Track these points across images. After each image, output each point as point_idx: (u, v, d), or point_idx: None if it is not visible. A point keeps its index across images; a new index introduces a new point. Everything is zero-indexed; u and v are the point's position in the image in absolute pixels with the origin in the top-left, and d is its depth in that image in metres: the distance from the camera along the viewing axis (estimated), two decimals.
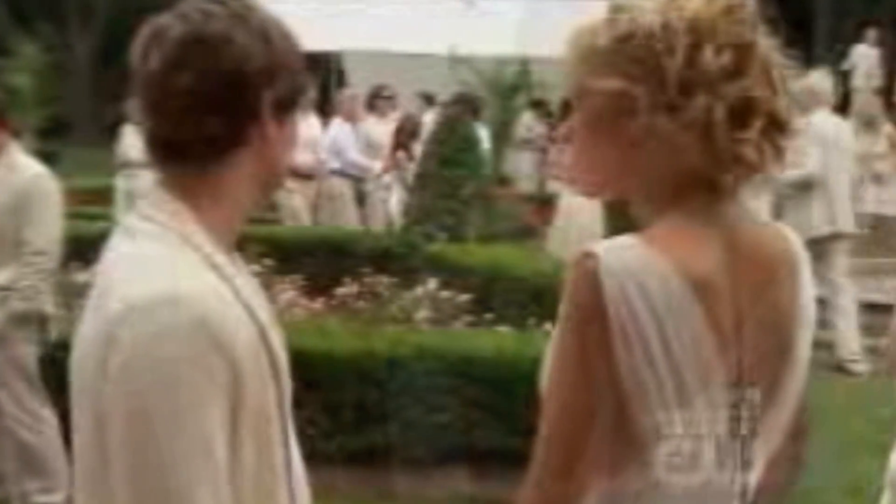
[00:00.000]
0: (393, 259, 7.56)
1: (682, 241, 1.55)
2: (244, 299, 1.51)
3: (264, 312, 1.55)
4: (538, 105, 15.55)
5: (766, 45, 1.58)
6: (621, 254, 1.51)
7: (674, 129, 1.54)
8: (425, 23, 16.25)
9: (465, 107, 9.60)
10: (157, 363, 1.40)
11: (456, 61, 15.17)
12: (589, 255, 1.51)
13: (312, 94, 10.32)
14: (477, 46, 14.80)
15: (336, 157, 10.52)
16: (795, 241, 1.67)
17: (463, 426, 5.06)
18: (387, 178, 10.49)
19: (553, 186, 11.29)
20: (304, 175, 9.79)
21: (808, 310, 1.64)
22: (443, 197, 8.29)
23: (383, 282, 7.01)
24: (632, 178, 1.61)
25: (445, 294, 6.69)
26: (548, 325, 6.17)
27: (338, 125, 10.95)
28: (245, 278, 1.59)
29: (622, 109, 1.56)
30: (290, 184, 9.61)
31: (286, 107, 1.55)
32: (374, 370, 5.09)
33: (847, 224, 7.79)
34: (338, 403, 5.04)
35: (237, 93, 1.50)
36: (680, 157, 1.55)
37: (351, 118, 11.03)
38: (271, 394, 1.51)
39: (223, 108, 1.49)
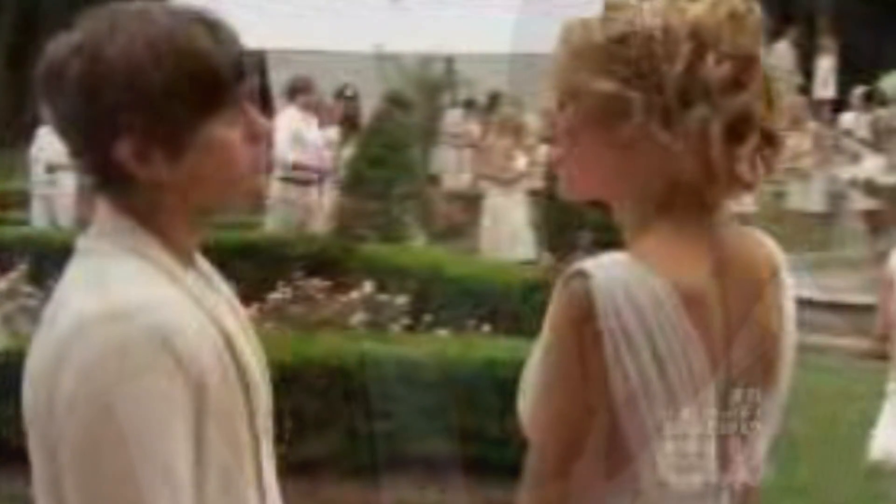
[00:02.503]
0: (326, 262, 7.45)
1: (672, 256, 1.53)
2: (207, 309, 1.44)
3: (232, 322, 1.48)
4: (469, 104, 15.56)
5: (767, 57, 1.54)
6: (613, 271, 1.48)
7: (668, 136, 1.50)
8: (349, 20, 16.16)
9: (395, 106, 9.52)
10: (110, 381, 1.33)
11: (381, 59, 15.12)
12: (580, 273, 1.48)
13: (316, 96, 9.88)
14: (402, 44, 14.77)
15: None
16: (774, 247, 1.67)
17: (407, 433, 4.98)
18: None
19: (480, 185, 11.27)
20: (304, 181, 9.33)
21: (792, 312, 1.64)
22: (374, 198, 8.21)
23: (317, 286, 6.89)
24: (620, 183, 1.57)
25: (382, 297, 6.60)
26: (486, 327, 6.15)
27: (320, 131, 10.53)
28: (211, 288, 1.52)
29: (615, 112, 1.51)
30: (292, 192, 9.20)
31: (164, 132, 1.39)
32: (314, 378, 4.98)
33: None
34: (276, 413, 4.91)
35: (78, 119, 1.41)
36: (671, 165, 1.52)
37: (335, 122, 10.80)
38: (240, 406, 1.45)
39: (76, 136, 1.42)
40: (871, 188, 8.86)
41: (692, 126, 1.48)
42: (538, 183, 9.51)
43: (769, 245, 1.66)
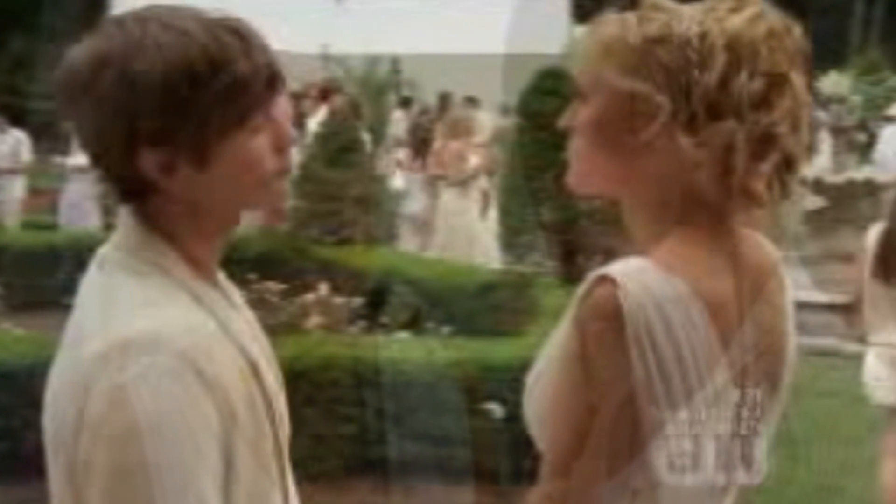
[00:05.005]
0: (281, 264, 7.39)
1: (694, 263, 1.52)
2: (232, 333, 1.40)
3: (256, 345, 1.44)
4: (405, 102, 15.51)
5: (799, 78, 1.52)
6: (639, 278, 1.47)
7: (690, 144, 1.48)
8: (294, 20, 16.06)
9: (347, 108, 9.47)
10: (139, 411, 1.28)
11: (327, 59, 15.05)
12: (606, 279, 1.46)
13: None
14: (347, 45, 14.73)
15: None
16: (772, 247, 1.68)
17: (368, 437, 4.96)
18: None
19: (433, 186, 11.25)
20: None
21: (792, 313, 1.65)
22: (328, 199, 8.15)
23: (272, 288, 6.82)
24: (633, 184, 1.56)
25: (338, 300, 6.55)
26: (446, 329, 6.13)
27: None
28: (234, 308, 1.49)
29: (639, 112, 1.49)
30: None
31: (192, 144, 1.35)
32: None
33: None
34: None
35: (104, 131, 1.36)
36: (689, 175, 1.50)
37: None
38: (267, 436, 1.40)
39: (101, 148, 1.38)
40: (819, 187, 8.98)
41: (716, 138, 1.47)
42: (492, 183, 9.53)
43: (768, 246, 1.67)
